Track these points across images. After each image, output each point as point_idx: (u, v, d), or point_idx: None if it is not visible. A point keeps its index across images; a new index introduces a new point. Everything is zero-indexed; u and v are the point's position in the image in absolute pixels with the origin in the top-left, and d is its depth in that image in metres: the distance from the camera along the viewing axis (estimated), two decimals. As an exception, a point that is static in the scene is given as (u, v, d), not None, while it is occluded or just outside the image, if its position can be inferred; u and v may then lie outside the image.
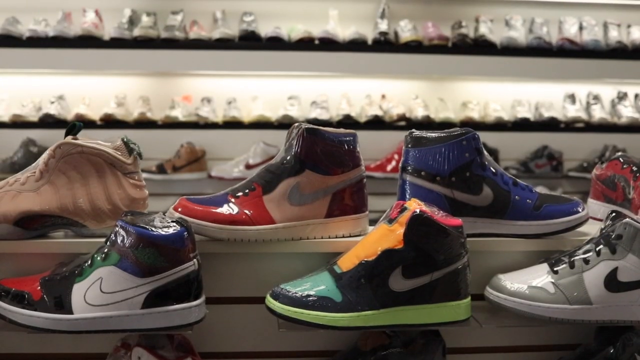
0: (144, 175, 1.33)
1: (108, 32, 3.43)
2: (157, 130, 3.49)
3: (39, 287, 1.14)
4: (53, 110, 3.39)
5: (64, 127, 1.26)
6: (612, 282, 1.17)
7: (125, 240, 1.10)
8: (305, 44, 3.44)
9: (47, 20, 3.42)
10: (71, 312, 1.11)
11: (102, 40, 3.42)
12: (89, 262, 1.13)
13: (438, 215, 1.15)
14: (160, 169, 3.49)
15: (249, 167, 3.41)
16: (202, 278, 1.16)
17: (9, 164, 3.38)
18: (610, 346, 1.24)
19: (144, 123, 3.44)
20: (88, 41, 3.36)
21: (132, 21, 3.47)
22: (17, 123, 3.39)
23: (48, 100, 3.46)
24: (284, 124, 3.40)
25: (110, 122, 3.38)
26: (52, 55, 3.35)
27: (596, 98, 3.73)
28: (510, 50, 3.50)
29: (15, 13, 3.42)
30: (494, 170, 1.28)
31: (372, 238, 1.17)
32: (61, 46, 3.35)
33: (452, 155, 1.25)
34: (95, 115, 3.42)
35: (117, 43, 3.38)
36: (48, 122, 3.36)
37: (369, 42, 3.50)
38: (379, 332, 1.27)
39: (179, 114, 3.46)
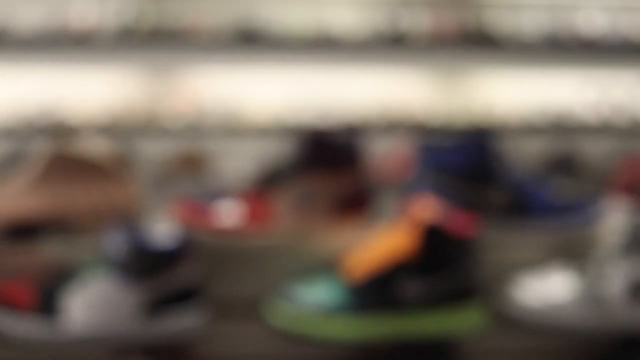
0: (142, 180, 1.33)
1: (105, 34, 3.40)
2: (155, 135, 3.47)
3: (28, 296, 1.10)
4: (46, 114, 3.37)
5: (58, 131, 1.25)
6: (637, 291, 1.11)
7: (120, 246, 1.07)
8: (311, 42, 3.44)
9: (41, 19, 3.39)
10: (64, 321, 1.08)
11: (98, 42, 3.39)
12: (83, 269, 1.10)
13: (451, 217, 1.11)
14: (160, 176, 3.47)
15: (251, 171, 3.39)
16: (201, 283, 1.13)
17: (1, 169, 3.38)
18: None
19: (142, 127, 3.43)
20: (83, 43, 3.34)
21: (130, 23, 3.45)
22: (10, 127, 3.37)
23: (40, 103, 3.44)
24: (288, 127, 3.40)
25: (105, 127, 3.37)
26: (45, 55, 3.33)
27: (615, 98, 3.70)
28: (524, 46, 3.47)
29: (8, 14, 3.40)
30: (511, 170, 1.27)
31: (381, 242, 1.13)
32: (55, 46, 3.33)
33: (467, 155, 1.24)
34: (91, 118, 3.42)
35: (114, 43, 3.37)
36: (41, 127, 3.33)
37: (378, 39, 3.49)
38: (387, 341, 1.22)
39: (178, 117, 3.46)
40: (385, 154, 3.54)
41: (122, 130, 3.36)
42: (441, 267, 1.09)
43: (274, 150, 3.39)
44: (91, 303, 1.07)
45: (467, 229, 1.11)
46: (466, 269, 1.10)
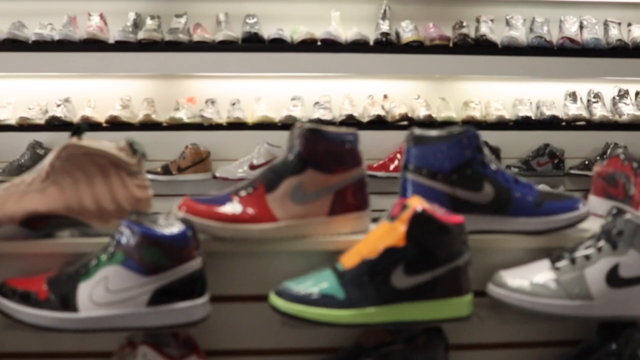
0: (149, 176, 1.33)
1: (113, 35, 3.44)
2: (162, 132, 3.50)
3: (45, 287, 1.15)
4: (59, 112, 3.39)
5: (70, 129, 1.27)
6: (613, 278, 1.17)
7: (130, 239, 1.12)
8: (308, 45, 3.44)
9: (52, 24, 3.44)
10: (77, 311, 1.12)
11: (107, 43, 3.43)
12: (95, 261, 1.14)
13: (439, 212, 1.16)
14: (166, 170, 3.50)
15: (253, 167, 3.42)
16: (206, 276, 1.17)
17: (16, 166, 3.40)
18: (613, 342, 1.24)
19: (148, 125, 3.44)
20: (93, 44, 3.37)
21: (137, 24, 3.48)
22: (24, 126, 3.39)
23: (54, 103, 3.47)
24: (288, 124, 3.38)
25: (115, 124, 3.39)
26: (58, 58, 3.36)
27: (597, 96, 3.72)
28: (511, 49, 3.50)
29: (21, 17, 3.44)
30: (494, 168, 1.28)
31: (374, 236, 1.18)
32: (67, 50, 3.36)
33: (453, 153, 1.26)
34: (100, 117, 3.43)
35: (121, 46, 3.39)
36: (54, 124, 3.36)
37: (371, 42, 3.50)
38: (381, 329, 1.27)
39: (183, 115, 3.46)
40: (380, 153, 3.58)
41: (129, 129, 3.36)
42: (428, 251, 1.13)
43: (276, 149, 3.42)
44: (99, 296, 1.12)
45: (452, 217, 1.16)
46: (453, 252, 1.15)
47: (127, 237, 1.12)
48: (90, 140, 1.27)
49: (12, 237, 1.23)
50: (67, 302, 1.13)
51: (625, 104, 3.69)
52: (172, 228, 1.13)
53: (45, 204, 1.23)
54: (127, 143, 1.28)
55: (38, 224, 1.24)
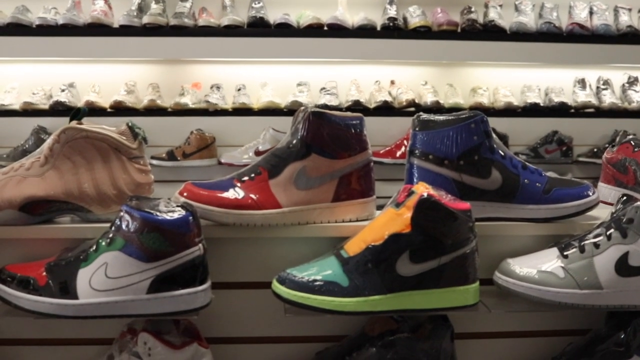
0: (154, 162, 1.33)
1: (117, 19, 3.42)
2: (167, 117, 3.48)
3: (44, 273, 1.14)
4: (63, 97, 3.39)
5: (74, 112, 1.26)
6: (623, 267, 1.15)
7: (130, 225, 1.10)
8: (314, 30, 3.43)
9: (56, 9, 3.42)
10: (76, 298, 1.11)
11: (111, 28, 3.41)
12: (94, 247, 1.13)
13: (446, 199, 1.14)
14: (170, 156, 3.49)
15: (258, 153, 3.41)
16: (207, 263, 1.15)
17: (21, 151, 3.40)
18: (621, 331, 1.23)
19: (153, 110, 3.44)
20: (97, 29, 3.36)
21: (141, 8, 3.46)
22: (28, 111, 3.39)
23: (58, 88, 3.46)
24: (293, 110, 3.36)
25: (120, 109, 3.38)
26: (62, 43, 3.35)
27: (606, 83, 3.70)
28: (520, 35, 3.47)
29: (25, 1, 3.42)
30: (502, 154, 1.26)
31: (379, 222, 1.16)
32: (71, 34, 3.35)
33: (461, 139, 1.24)
34: (105, 102, 3.43)
35: (126, 31, 3.38)
36: (58, 109, 3.35)
37: (378, 28, 3.48)
38: (386, 317, 1.26)
39: (188, 100, 3.45)
40: (387, 139, 3.57)
41: (134, 114, 3.35)
42: (434, 238, 1.11)
43: (282, 135, 3.40)
44: (99, 282, 1.10)
45: (458, 203, 1.14)
46: (459, 240, 1.13)
47: (127, 222, 1.10)
48: (90, 123, 1.25)
49: (11, 222, 1.22)
50: (67, 289, 1.11)
51: (634, 91, 3.67)
52: (173, 213, 1.12)
53: (44, 189, 1.21)
54: (127, 127, 1.27)
55: (37, 209, 1.23)
